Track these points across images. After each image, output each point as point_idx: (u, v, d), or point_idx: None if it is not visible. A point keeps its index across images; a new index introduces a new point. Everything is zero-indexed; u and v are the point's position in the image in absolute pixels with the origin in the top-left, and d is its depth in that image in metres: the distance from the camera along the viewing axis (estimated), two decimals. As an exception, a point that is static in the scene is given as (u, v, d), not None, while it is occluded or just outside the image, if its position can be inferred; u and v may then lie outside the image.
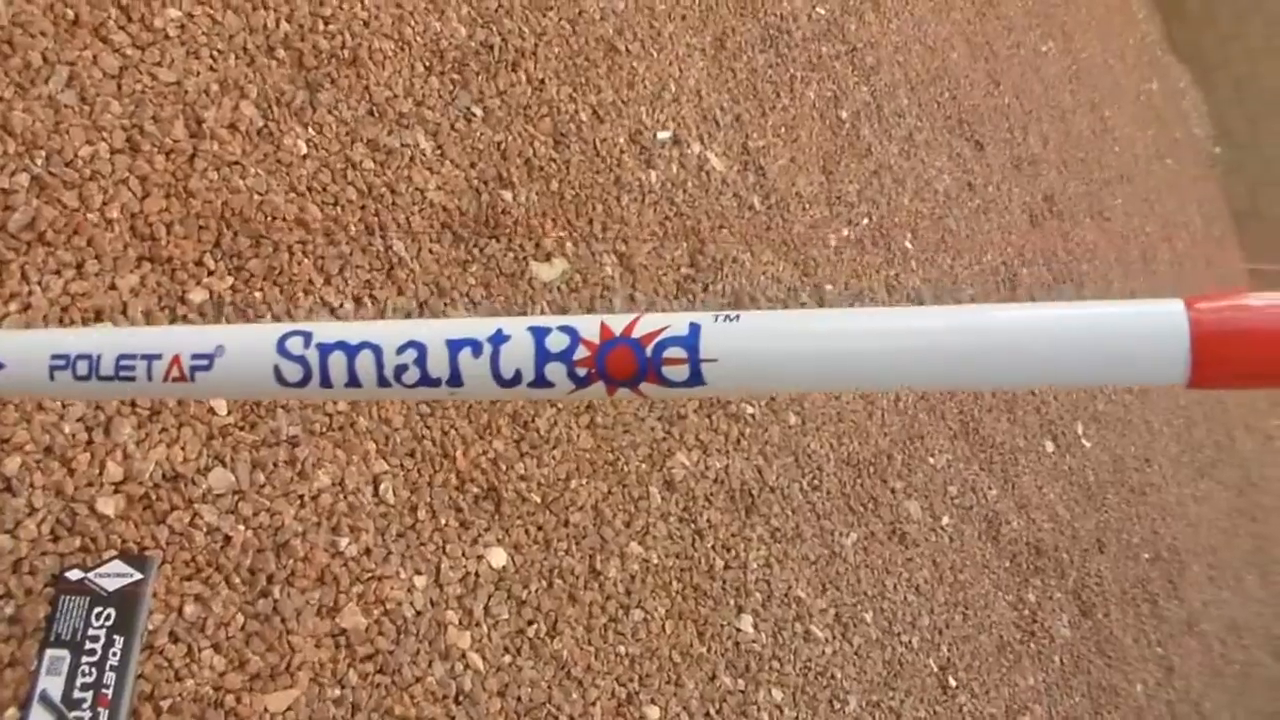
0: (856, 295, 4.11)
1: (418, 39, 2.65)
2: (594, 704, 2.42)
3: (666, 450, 2.89)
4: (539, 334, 0.87)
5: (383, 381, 0.92)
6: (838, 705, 3.14)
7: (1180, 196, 10.30)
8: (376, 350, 0.92)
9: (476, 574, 2.28)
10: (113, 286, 1.87)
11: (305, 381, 0.95)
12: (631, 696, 2.51)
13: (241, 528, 1.91)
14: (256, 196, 2.15)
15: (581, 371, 0.86)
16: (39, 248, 1.79)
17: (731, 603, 2.90)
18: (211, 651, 1.81)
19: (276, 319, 2.09)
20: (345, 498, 2.09)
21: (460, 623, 2.21)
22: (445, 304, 2.43)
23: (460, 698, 2.16)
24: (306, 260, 2.19)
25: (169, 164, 2.04)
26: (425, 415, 2.31)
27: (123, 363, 1.01)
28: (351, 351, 0.92)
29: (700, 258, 3.31)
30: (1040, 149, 7.01)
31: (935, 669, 3.69)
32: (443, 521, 2.26)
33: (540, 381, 0.87)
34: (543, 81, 2.99)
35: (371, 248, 2.34)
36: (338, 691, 1.96)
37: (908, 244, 4.75)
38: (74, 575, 1.67)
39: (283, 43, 2.34)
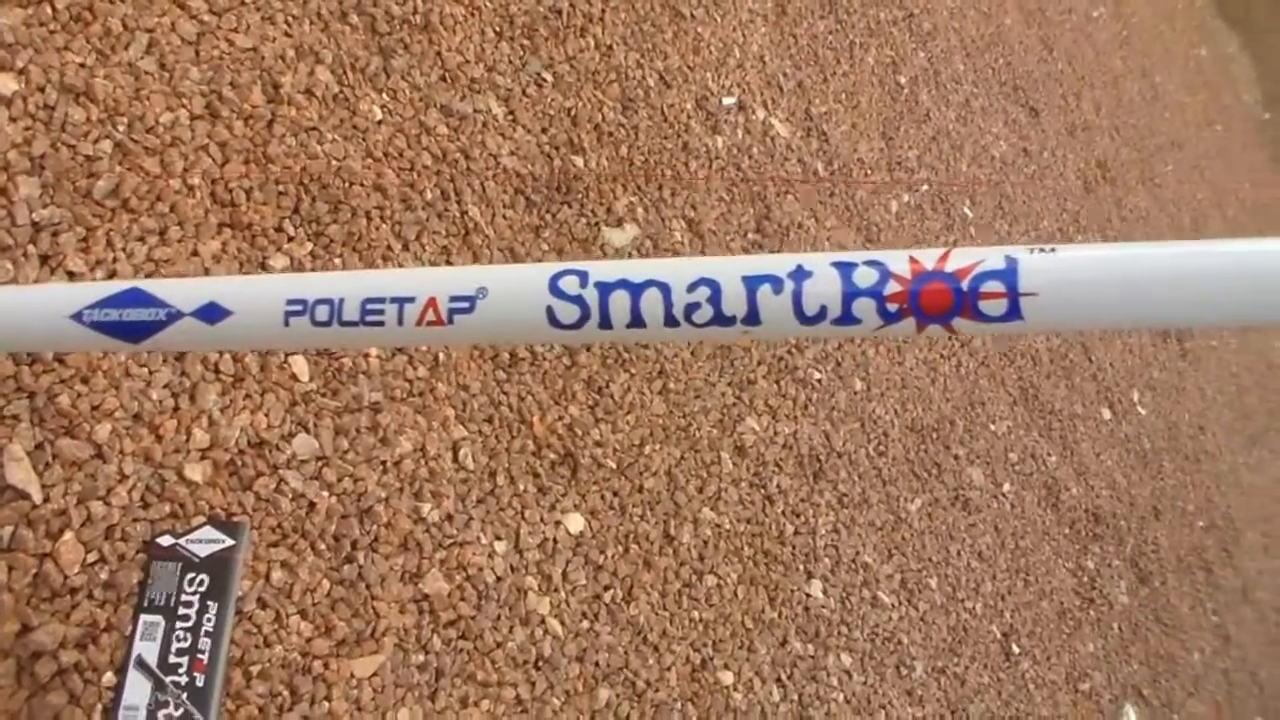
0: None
1: (487, 4, 2.64)
2: (669, 669, 2.41)
3: (737, 415, 2.88)
4: (845, 269, 0.85)
5: (670, 321, 0.90)
6: (904, 671, 3.13)
7: (1230, 163, 10.17)
8: (664, 288, 0.90)
9: (554, 539, 2.27)
10: (195, 253, 1.87)
11: (581, 323, 0.92)
12: (706, 662, 2.51)
13: (326, 494, 1.91)
14: (334, 162, 2.14)
15: (893, 307, 0.84)
16: (123, 214, 1.79)
17: (801, 568, 2.89)
18: (299, 618, 1.81)
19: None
20: (426, 463, 2.09)
21: (539, 588, 2.21)
22: (520, 270, 2.42)
23: (540, 663, 2.16)
24: (384, 226, 2.19)
25: (248, 130, 2.03)
26: (501, 381, 2.30)
27: (369, 306, 0.98)
28: (636, 290, 0.90)
29: (766, 223, 3.29)
30: (1093, 115, 6.93)
31: (998, 635, 3.68)
32: (521, 487, 2.25)
33: (846, 318, 0.85)
34: (610, 47, 2.97)
35: (447, 213, 2.33)
36: (422, 657, 1.96)
37: (966, 210, 4.72)
38: (165, 541, 1.66)
39: (356, 8, 2.33)
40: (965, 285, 0.82)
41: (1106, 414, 5.29)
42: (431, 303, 0.96)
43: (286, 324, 1.00)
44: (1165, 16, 10.28)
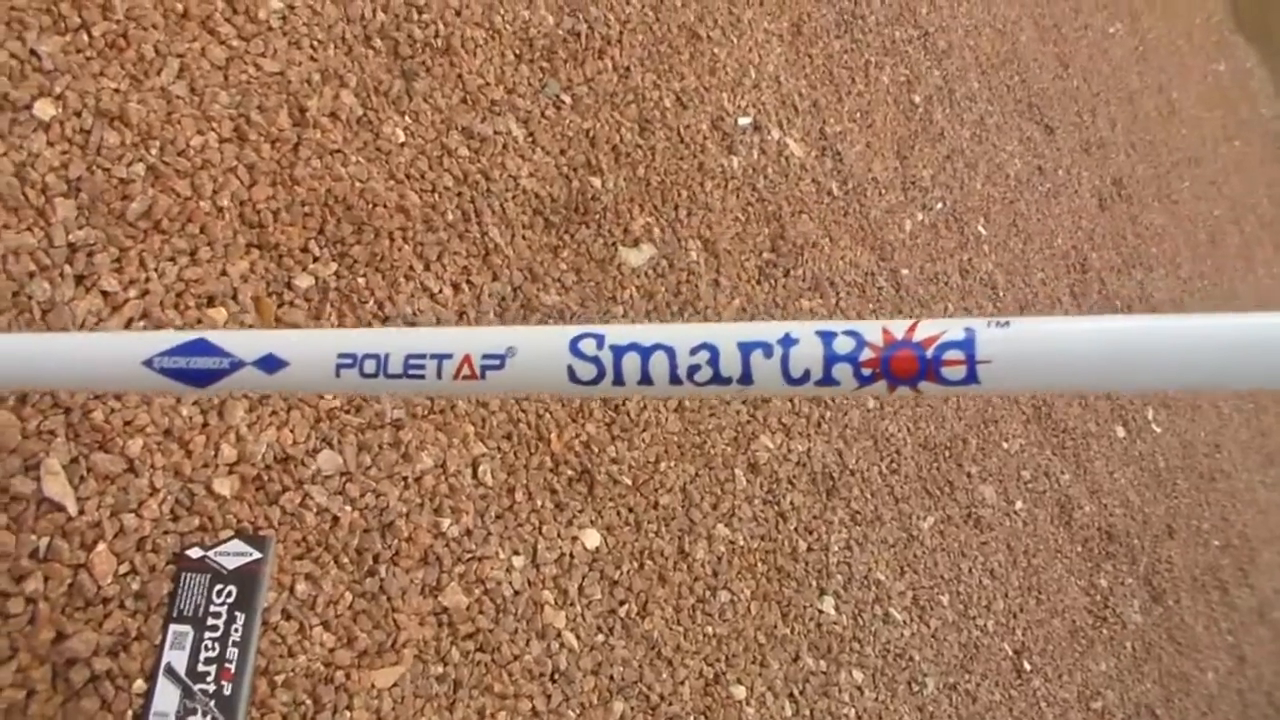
0: (932, 280, 4.12)
1: (507, 27, 2.69)
2: (683, 683, 2.45)
3: (751, 433, 2.92)
4: (827, 337, 0.93)
5: (675, 380, 0.97)
6: (916, 687, 3.16)
7: (1248, 179, 10.16)
8: (670, 351, 0.97)
9: (571, 555, 2.32)
10: (224, 273, 1.92)
11: (598, 380, 1.00)
12: (719, 676, 2.54)
13: (349, 508, 1.96)
14: (358, 184, 2.19)
15: (867, 371, 0.91)
16: (155, 235, 1.84)
17: (814, 584, 2.93)
18: (322, 629, 1.86)
19: (379, 305, 2.13)
20: (447, 479, 2.14)
21: (556, 602, 2.25)
22: (539, 289, 2.47)
23: (556, 676, 2.20)
24: (407, 246, 2.24)
25: (275, 152, 2.08)
26: (520, 399, 2.35)
27: (412, 362, 1.05)
28: (645, 353, 0.98)
29: (781, 243, 3.33)
30: (1109, 132, 6.96)
31: (1010, 653, 3.70)
32: (539, 503, 2.29)
33: (827, 380, 0.93)
34: (628, 69, 3.02)
35: (468, 234, 2.38)
36: (440, 669, 2.00)
37: (980, 228, 4.75)
38: (194, 553, 1.71)
39: (379, 32, 2.38)
40: (930, 353, 0.90)
41: (1121, 432, 5.31)
42: (467, 359, 1.03)
43: (337, 375, 1.08)
44: (1182, 31, 10.28)
